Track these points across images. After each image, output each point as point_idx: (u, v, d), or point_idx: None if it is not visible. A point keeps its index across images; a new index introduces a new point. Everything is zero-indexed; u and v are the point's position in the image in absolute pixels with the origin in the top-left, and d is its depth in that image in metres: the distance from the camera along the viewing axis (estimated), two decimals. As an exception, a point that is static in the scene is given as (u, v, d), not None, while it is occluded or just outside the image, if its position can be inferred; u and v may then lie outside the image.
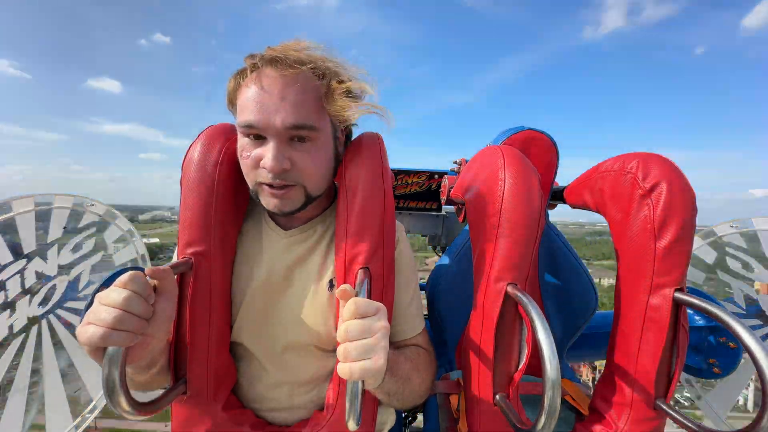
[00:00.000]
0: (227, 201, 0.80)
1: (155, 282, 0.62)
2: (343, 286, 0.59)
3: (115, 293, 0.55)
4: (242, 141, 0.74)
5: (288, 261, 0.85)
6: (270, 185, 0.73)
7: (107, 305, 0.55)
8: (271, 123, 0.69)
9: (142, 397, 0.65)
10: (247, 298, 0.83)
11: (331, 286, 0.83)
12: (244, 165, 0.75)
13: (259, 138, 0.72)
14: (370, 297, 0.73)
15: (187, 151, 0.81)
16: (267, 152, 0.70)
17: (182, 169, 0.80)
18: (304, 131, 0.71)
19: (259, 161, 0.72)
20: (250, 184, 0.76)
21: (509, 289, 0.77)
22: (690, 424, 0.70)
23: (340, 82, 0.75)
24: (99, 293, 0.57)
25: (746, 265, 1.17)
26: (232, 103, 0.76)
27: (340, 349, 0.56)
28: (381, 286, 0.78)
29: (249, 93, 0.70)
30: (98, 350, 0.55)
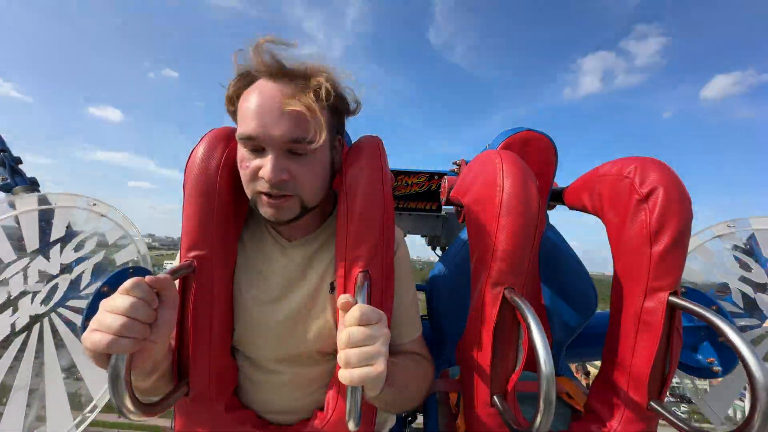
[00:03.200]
0: (228, 205, 0.80)
1: (157, 289, 0.62)
2: (344, 296, 0.60)
3: (120, 300, 0.56)
4: (242, 151, 0.75)
5: (290, 271, 0.85)
6: (268, 194, 0.74)
7: (112, 312, 0.55)
8: (270, 136, 0.70)
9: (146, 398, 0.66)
10: (248, 307, 0.83)
11: (332, 288, 0.83)
12: (244, 175, 0.75)
13: (258, 150, 0.73)
14: (369, 299, 0.73)
15: (190, 155, 0.81)
16: (266, 163, 0.71)
17: (185, 174, 0.80)
18: (302, 144, 0.72)
19: (258, 171, 0.73)
20: (249, 193, 0.77)
21: (507, 293, 0.78)
22: (682, 425, 0.71)
23: (334, 95, 0.76)
24: (103, 300, 0.58)
25: (744, 265, 1.18)
26: (231, 104, 0.78)
27: (341, 355, 0.57)
28: (380, 289, 0.79)
29: (249, 106, 0.71)
30: (102, 356, 0.56)
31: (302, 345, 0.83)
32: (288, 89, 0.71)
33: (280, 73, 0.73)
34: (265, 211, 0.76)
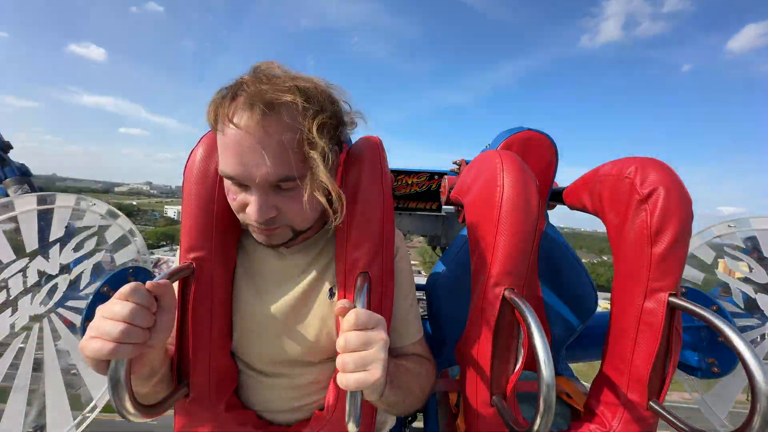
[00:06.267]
0: (228, 209, 0.79)
1: (155, 294, 0.61)
2: (342, 301, 0.60)
3: (119, 306, 0.56)
4: (227, 182, 0.71)
5: (288, 275, 0.84)
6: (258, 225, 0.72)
7: (112, 318, 0.55)
8: (251, 178, 0.65)
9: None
10: (246, 311, 0.83)
11: (332, 294, 0.83)
12: (232, 205, 0.73)
13: (242, 185, 0.69)
14: (369, 301, 0.73)
15: (189, 157, 0.81)
16: (251, 202, 0.68)
17: (184, 175, 0.80)
18: (287, 183, 0.68)
19: (244, 206, 0.70)
20: (240, 219, 0.75)
21: (507, 294, 0.78)
22: (682, 425, 0.71)
23: (322, 119, 0.68)
24: (100, 306, 0.58)
25: (745, 265, 1.18)
26: (214, 127, 0.71)
27: (338, 360, 0.57)
28: (380, 291, 0.79)
29: (227, 140, 0.66)
30: (102, 362, 0.56)
31: (301, 349, 0.83)
32: (270, 121, 0.64)
33: (258, 100, 0.64)
34: (257, 237, 0.75)
